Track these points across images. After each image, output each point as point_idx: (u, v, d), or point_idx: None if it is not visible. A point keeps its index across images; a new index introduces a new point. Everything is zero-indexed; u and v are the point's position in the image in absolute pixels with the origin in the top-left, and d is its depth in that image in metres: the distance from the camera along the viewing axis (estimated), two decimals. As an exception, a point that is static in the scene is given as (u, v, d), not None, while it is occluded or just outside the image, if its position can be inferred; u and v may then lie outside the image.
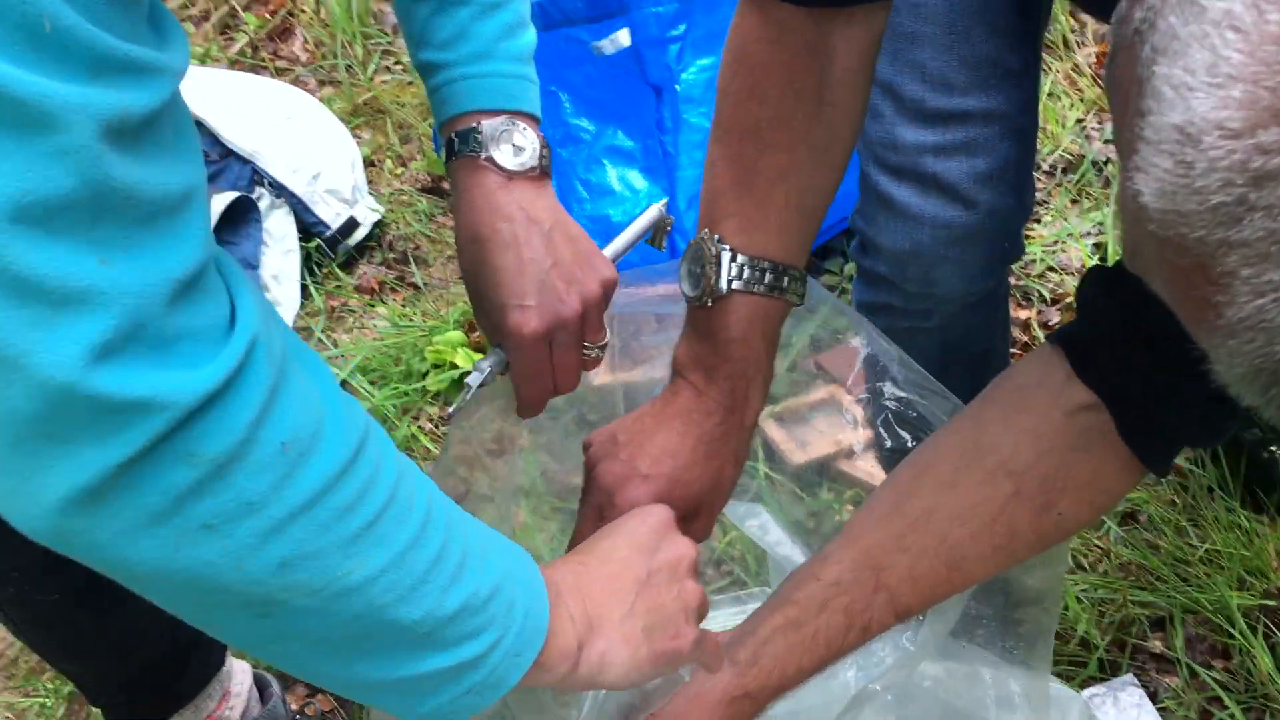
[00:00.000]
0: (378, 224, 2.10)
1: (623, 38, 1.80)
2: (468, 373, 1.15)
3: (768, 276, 0.89)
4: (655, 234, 1.07)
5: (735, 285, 0.88)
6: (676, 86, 1.81)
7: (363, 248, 2.09)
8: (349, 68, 2.39)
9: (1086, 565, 1.47)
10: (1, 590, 1.03)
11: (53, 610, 1.07)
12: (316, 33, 2.48)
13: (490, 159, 0.90)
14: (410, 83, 2.36)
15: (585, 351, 0.95)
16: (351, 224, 2.05)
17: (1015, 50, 1.08)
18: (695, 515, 0.91)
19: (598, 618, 0.74)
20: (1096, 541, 1.49)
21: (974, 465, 0.87)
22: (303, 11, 2.53)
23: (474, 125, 0.91)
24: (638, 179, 1.89)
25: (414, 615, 0.62)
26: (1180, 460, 1.53)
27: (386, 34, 2.48)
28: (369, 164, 2.21)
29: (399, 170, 2.23)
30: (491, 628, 0.66)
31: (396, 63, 2.44)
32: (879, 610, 0.87)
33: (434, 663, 0.64)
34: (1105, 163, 2.03)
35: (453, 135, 0.92)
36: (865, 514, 0.92)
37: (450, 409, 0.99)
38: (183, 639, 1.19)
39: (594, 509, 0.90)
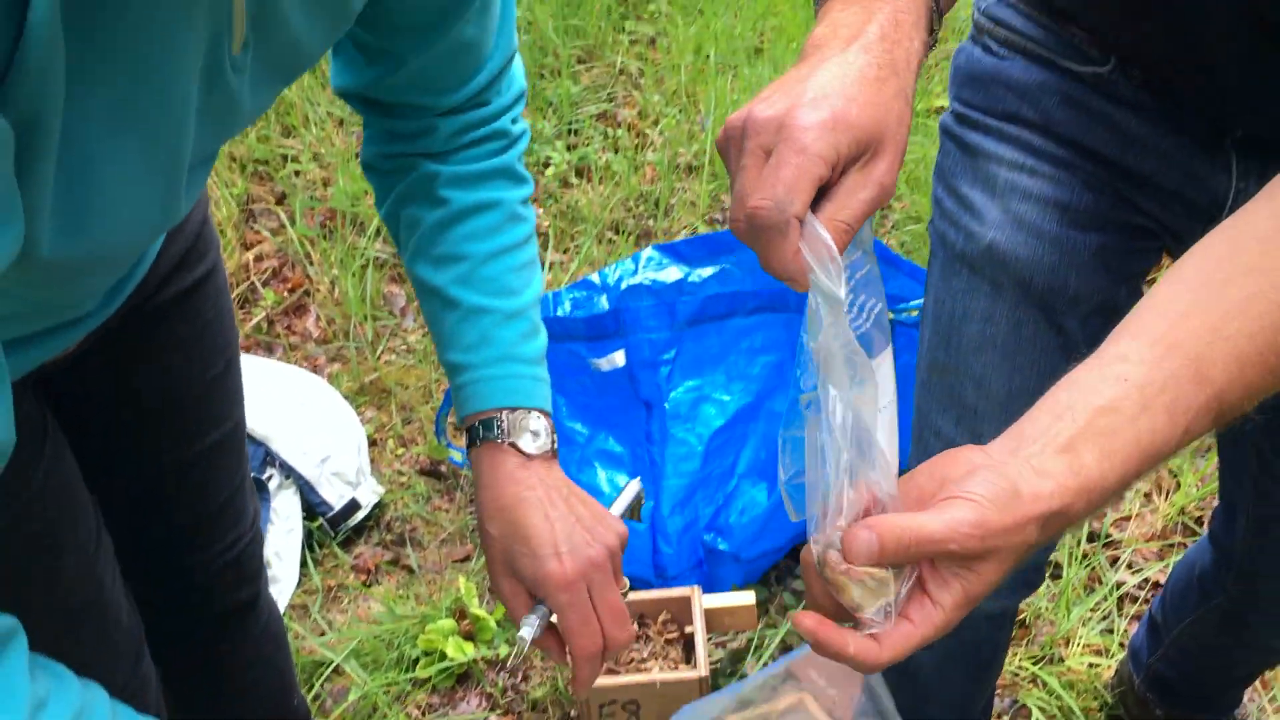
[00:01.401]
0: (377, 504, 2.23)
1: (619, 358, 1.99)
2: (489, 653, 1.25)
3: None
4: (633, 508, 1.18)
5: None
6: (665, 404, 1.99)
7: (361, 527, 2.21)
8: (358, 348, 2.57)
9: None
10: None
11: None
12: (329, 311, 2.67)
13: (513, 444, 1.03)
14: (414, 365, 2.54)
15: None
16: (353, 505, 2.18)
17: None
18: (877, 153, 0.74)
19: None
20: None
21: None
22: (318, 290, 2.72)
23: (496, 417, 1.04)
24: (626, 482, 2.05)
25: None
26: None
27: (395, 316, 2.68)
28: (372, 443, 2.36)
29: (400, 451, 2.38)
30: None
31: (402, 344, 2.62)
32: (1200, 410, 0.74)
33: None
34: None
35: (477, 424, 1.04)
36: (1156, 313, 0.77)
37: (509, 664, 1.05)
38: None
39: (757, 151, 0.72)
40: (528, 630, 1.01)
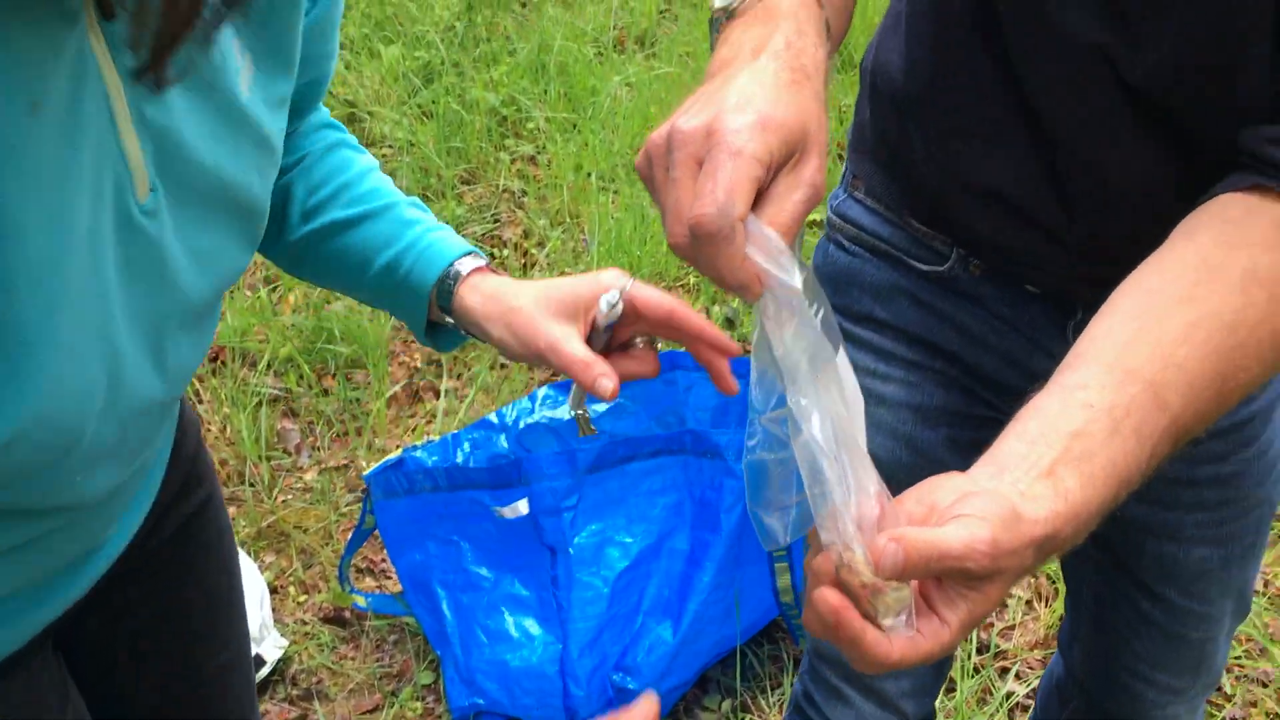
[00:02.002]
0: (281, 658, 2.21)
1: (522, 506, 2.03)
2: None
3: None
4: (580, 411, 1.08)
5: None
6: (570, 549, 2.04)
7: (265, 683, 2.19)
8: (254, 490, 2.56)
9: None
10: None
11: None
12: (221, 453, 2.65)
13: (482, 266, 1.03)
14: (312, 506, 2.53)
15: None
16: (258, 661, 2.16)
17: None
18: (804, 155, 0.74)
19: None
20: None
21: (1215, 280, 0.79)
22: (209, 431, 2.70)
23: (449, 270, 1.02)
24: (534, 626, 2.08)
25: None
26: None
27: (289, 454, 2.67)
28: (273, 590, 2.34)
29: (302, 598, 2.37)
30: None
31: (299, 483, 2.61)
32: (1162, 435, 0.75)
33: None
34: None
35: (442, 283, 1.02)
36: (1103, 342, 0.78)
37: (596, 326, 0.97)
38: None
39: (688, 162, 0.71)
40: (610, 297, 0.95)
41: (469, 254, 1.03)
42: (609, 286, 0.95)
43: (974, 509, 0.67)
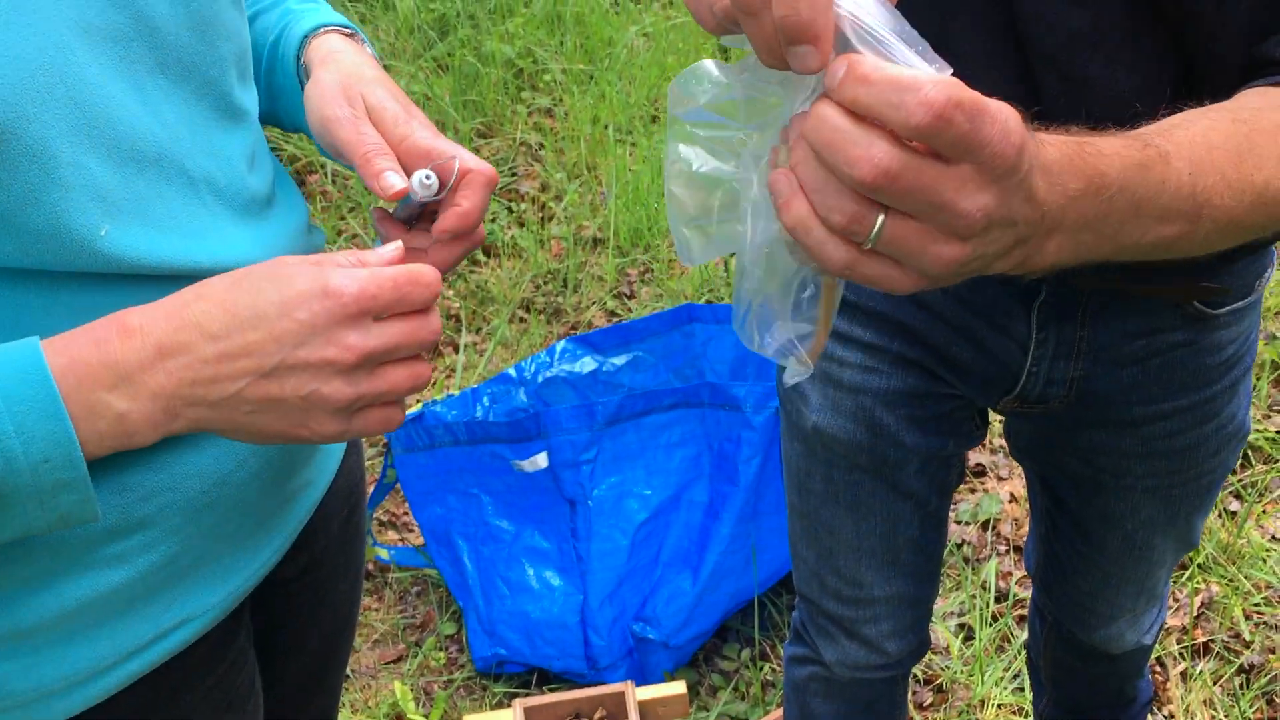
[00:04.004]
0: (307, 609, 2.24)
1: (541, 460, 2.04)
2: None
3: None
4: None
5: None
6: (589, 502, 2.05)
7: (293, 634, 2.23)
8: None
9: None
10: None
11: None
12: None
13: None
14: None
15: None
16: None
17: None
18: None
19: (171, 398, 0.70)
20: None
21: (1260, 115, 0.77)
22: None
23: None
24: (554, 577, 2.10)
25: None
26: None
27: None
28: (297, 544, 2.37)
29: (326, 551, 2.40)
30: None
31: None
32: (1216, 194, 0.71)
33: None
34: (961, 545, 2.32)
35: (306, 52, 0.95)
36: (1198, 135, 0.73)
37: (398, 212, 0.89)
38: None
39: None
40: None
41: (342, 26, 0.97)
42: (438, 157, 0.85)
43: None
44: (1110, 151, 0.66)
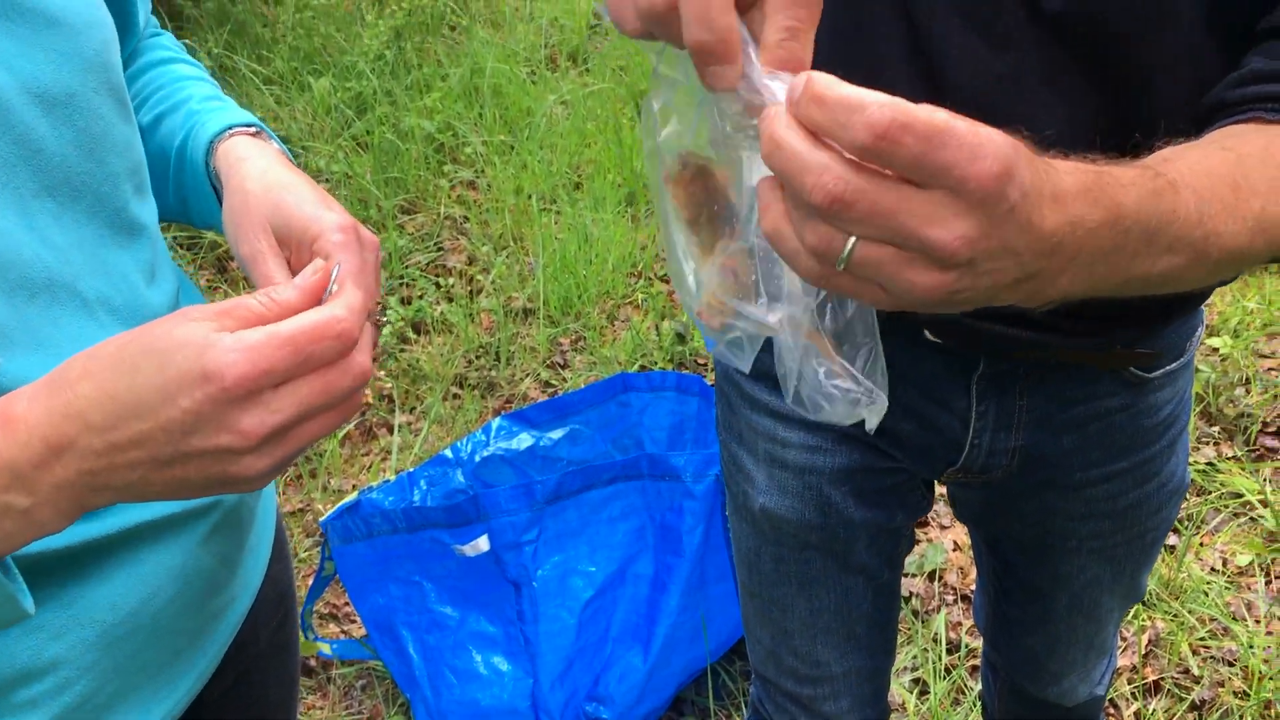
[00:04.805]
0: (249, 712, 2.18)
1: (483, 543, 2.01)
2: None
3: None
4: None
5: None
6: (534, 583, 2.02)
7: (235, 739, 2.15)
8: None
9: None
10: None
11: None
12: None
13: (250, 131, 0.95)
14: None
15: None
16: (224, 718, 2.12)
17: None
18: None
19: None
20: None
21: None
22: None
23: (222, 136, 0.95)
24: (502, 662, 2.06)
25: None
26: None
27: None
28: (235, 644, 2.31)
29: (266, 649, 2.33)
30: None
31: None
32: (1219, 222, 0.69)
33: None
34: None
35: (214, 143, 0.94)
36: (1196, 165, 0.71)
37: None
38: None
39: None
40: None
41: (247, 125, 0.95)
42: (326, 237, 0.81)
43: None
44: (1128, 181, 0.64)
